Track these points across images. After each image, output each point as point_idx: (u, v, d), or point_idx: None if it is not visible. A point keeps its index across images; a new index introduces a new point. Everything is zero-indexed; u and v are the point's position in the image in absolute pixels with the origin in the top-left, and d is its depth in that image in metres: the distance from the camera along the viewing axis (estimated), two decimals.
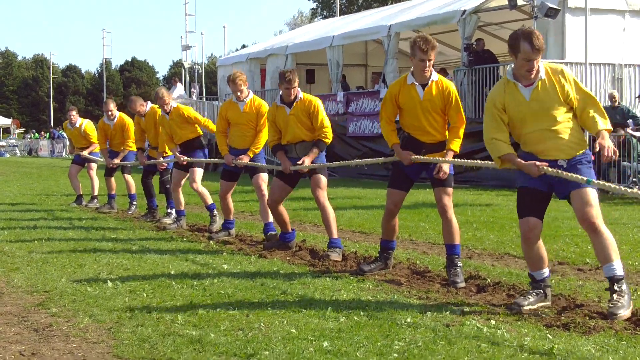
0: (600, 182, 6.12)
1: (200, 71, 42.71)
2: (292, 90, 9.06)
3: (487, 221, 12.05)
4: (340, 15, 42.92)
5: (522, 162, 6.21)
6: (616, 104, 18.75)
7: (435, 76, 7.58)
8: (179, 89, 38.33)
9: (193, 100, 36.22)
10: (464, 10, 21.77)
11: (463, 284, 7.21)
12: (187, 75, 42.17)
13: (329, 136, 9.22)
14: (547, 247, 8.89)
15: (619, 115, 18.13)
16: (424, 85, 7.53)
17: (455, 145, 7.64)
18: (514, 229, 10.95)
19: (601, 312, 6.01)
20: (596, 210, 6.02)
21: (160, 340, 5.44)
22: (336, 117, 26.15)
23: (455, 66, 25.38)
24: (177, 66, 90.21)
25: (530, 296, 6.28)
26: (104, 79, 72.53)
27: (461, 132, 7.67)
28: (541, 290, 6.34)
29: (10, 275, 8.05)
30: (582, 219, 6.04)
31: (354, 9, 64.37)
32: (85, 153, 16.33)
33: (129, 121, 14.96)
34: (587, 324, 5.66)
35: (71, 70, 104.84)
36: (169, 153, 12.69)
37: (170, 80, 66.28)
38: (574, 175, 6.01)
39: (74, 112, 16.96)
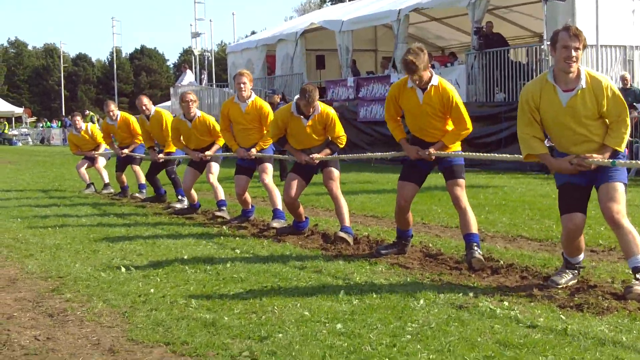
0: (627, 162, 6.12)
1: (210, 58, 42.67)
2: (312, 106, 9.02)
3: (499, 204, 12.03)
4: (349, 0, 42.79)
5: (555, 162, 6.31)
6: (628, 85, 18.68)
7: (436, 80, 7.55)
8: (189, 76, 38.29)
9: (203, 87, 36.19)
10: None
11: (483, 266, 7.17)
12: (197, 63, 42.14)
13: (343, 143, 9.33)
14: (560, 229, 8.91)
15: (630, 97, 18.04)
16: (423, 89, 7.53)
17: (449, 141, 7.65)
18: (526, 212, 10.95)
19: (614, 292, 6.01)
20: (619, 206, 6.01)
21: (174, 323, 5.47)
22: (347, 103, 26.15)
23: (465, 50, 25.29)
24: (186, 54, 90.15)
25: (565, 275, 6.41)
26: (114, 67, 72.44)
27: (462, 134, 7.67)
28: (576, 271, 6.48)
29: (25, 262, 8.10)
30: (605, 213, 6.06)
31: None
32: (95, 153, 16.43)
33: (131, 118, 15.07)
34: (601, 304, 5.66)
35: (81, 59, 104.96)
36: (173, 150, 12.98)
37: (180, 68, 66.29)
38: (601, 160, 6.04)
39: (78, 118, 17.00)
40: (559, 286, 6.26)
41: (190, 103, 11.48)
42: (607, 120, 6.11)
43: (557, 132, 6.29)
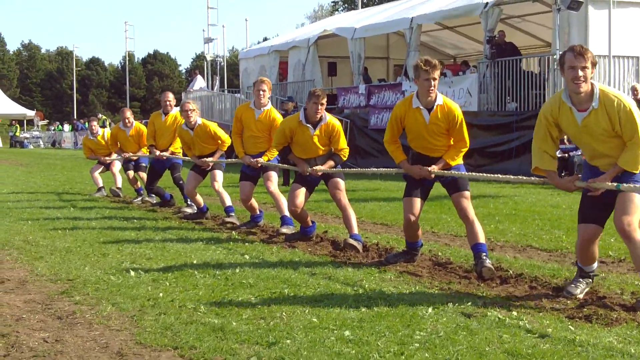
0: (632, 186, 5.96)
1: (222, 64, 42.78)
2: (321, 108, 9.05)
3: (509, 214, 12.01)
4: (361, 7, 42.81)
5: (559, 181, 6.37)
6: (639, 96, 18.61)
7: (440, 100, 7.58)
8: (199, 81, 38.42)
9: (214, 93, 36.26)
10: (487, 3, 21.64)
11: (493, 275, 7.15)
12: (209, 68, 42.25)
13: (346, 156, 9.39)
14: (570, 239, 8.89)
15: None
16: (429, 110, 7.54)
17: (451, 158, 7.70)
18: (536, 222, 10.92)
19: (623, 304, 5.99)
20: (631, 218, 5.97)
21: (182, 328, 5.48)
22: (358, 110, 26.14)
23: (477, 59, 25.28)
24: (199, 59, 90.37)
25: (580, 284, 6.40)
26: (127, 72, 72.77)
27: (462, 151, 7.74)
28: (590, 280, 6.48)
29: (34, 264, 8.12)
30: (617, 224, 6.04)
31: (375, 2, 64.19)
32: (108, 158, 16.52)
33: (144, 129, 15.14)
34: (610, 315, 5.65)
35: (94, 62, 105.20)
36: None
37: (191, 73, 66.47)
38: (604, 183, 6.05)
39: (95, 123, 17.26)
40: (577, 296, 6.26)
41: (190, 112, 11.61)
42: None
43: (581, 146, 6.41)
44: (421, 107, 7.55)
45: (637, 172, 6.03)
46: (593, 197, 6.23)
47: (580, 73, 5.92)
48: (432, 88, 7.43)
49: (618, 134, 6.00)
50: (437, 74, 7.43)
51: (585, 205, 6.32)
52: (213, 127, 11.79)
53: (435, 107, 7.54)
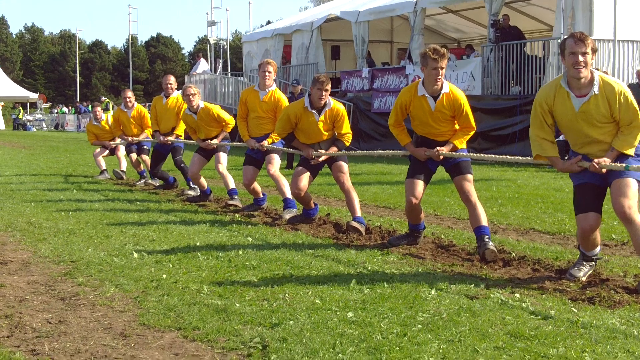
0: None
1: (225, 47, 42.68)
2: (325, 93, 9.04)
3: (512, 197, 12.00)
4: None
5: (563, 164, 6.38)
6: None
7: (446, 88, 7.58)
8: (203, 64, 38.32)
9: (218, 76, 36.21)
10: None
11: (496, 257, 7.16)
12: (213, 51, 42.16)
13: (349, 141, 9.38)
14: (573, 222, 8.88)
15: None
16: (435, 97, 7.53)
17: (458, 141, 7.72)
18: (539, 205, 10.92)
19: (626, 286, 6.00)
20: (631, 202, 6.03)
21: (186, 309, 5.48)
22: (361, 94, 26.10)
23: (481, 43, 25.21)
24: (202, 42, 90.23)
25: (584, 267, 6.41)
26: (130, 55, 72.53)
27: (469, 134, 7.78)
28: (593, 262, 6.49)
29: (37, 246, 8.13)
30: (616, 208, 6.07)
31: None
32: (112, 143, 16.55)
33: (145, 111, 15.36)
34: (612, 297, 5.65)
35: (97, 46, 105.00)
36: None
37: (195, 56, 66.31)
38: (614, 164, 6.09)
39: (98, 108, 17.41)
40: (581, 279, 6.26)
41: (192, 97, 11.65)
42: (620, 124, 6.14)
43: (570, 134, 6.38)
44: (427, 95, 7.54)
45: (631, 154, 6.16)
46: (587, 186, 6.28)
47: (581, 58, 6.01)
48: (439, 77, 7.42)
49: (615, 120, 6.10)
50: (445, 63, 7.41)
51: (580, 195, 6.34)
52: (215, 109, 11.81)
53: (441, 95, 7.53)
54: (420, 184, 7.74)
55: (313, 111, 9.12)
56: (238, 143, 11.68)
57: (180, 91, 12.77)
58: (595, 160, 6.13)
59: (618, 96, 6.04)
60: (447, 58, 7.49)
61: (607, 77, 6.20)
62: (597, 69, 6.94)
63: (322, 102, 9.08)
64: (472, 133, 7.79)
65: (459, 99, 7.58)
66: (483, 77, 21.56)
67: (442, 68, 7.40)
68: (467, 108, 7.65)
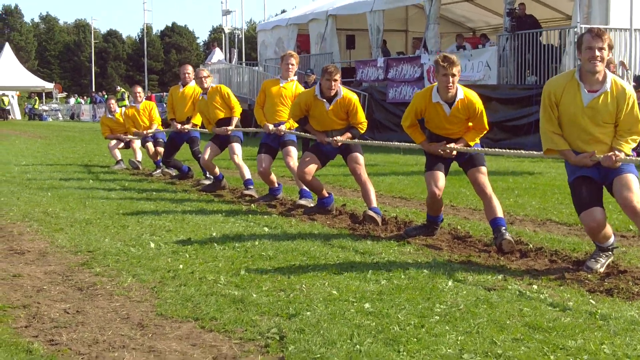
0: None
1: (240, 36, 42.66)
2: (334, 84, 9.04)
3: (529, 188, 11.96)
4: None
5: (576, 158, 6.34)
6: None
7: (461, 94, 7.53)
8: (218, 54, 38.36)
9: (232, 65, 36.20)
10: None
11: (513, 248, 7.14)
12: (228, 41, 42.16)
13: (364, 129, 9.38)
14: None
15: None
16: (450, 104, 7.51)
17: (471, 139, 7.72)
18: (556, 196, 10.87)
19: None
20: (637, 196, 6.04)
21: (203, 299, 5.49)
22: (376, 83, 26.03)
23: (497, 32, 25.09)
24: (217, 31, 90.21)
25: (601, 259, 6.37)
26: (145, 44, 72.66)
27: (482, 134, 7.79)
28: (610, 252, 6.45)
29: (55, 236, 8.16)
30: (624, 204, 6.08)
31: None
32: (127, 137, 16.65)
33: (153, 105, 15.67)
34: (631, 289, 5.63)
35: (112, 35, 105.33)
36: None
37: (209, 46, 66.34)
38: (629, 158, 6.14)
39: (112, 101, 17.63)
40: (599, 271, 6.22)
41: (204, 79, 11.89)
42: (620, 124, 6.23)
43: (571, 131, 6.36)
44: (442, 102, 7.53)
45: (629, 153, 6.28)
46: (586, 184, 6.28)
47: (597, 53, 6.10)
48: (451, 84, 7.38)
49: (616, 122, 6.20)
50: (456, 69, 7.35)
51: (581, 190, 6.32)
52: (226, 89, 11.97)
53: (457, 102, 7.50)
54: (441, 176, 7.73)
55: (323, 100, 9.12)
56: (253, 129, 11.73)
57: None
58: (611, 153, 6.11)
59: (627, 100, 6.16)
60: (458, 65, 7.44)
61: (620, 80, 6.29)
62: (612, 62, 7.02)
63: (332, 92, 9.08)
64: (484, 132, 7.79)
65: (474, 103, 7.56)
66: (499, 66, 21.47)
67: (452, 75, 7.34)
68: (482, 111, 7.64)
